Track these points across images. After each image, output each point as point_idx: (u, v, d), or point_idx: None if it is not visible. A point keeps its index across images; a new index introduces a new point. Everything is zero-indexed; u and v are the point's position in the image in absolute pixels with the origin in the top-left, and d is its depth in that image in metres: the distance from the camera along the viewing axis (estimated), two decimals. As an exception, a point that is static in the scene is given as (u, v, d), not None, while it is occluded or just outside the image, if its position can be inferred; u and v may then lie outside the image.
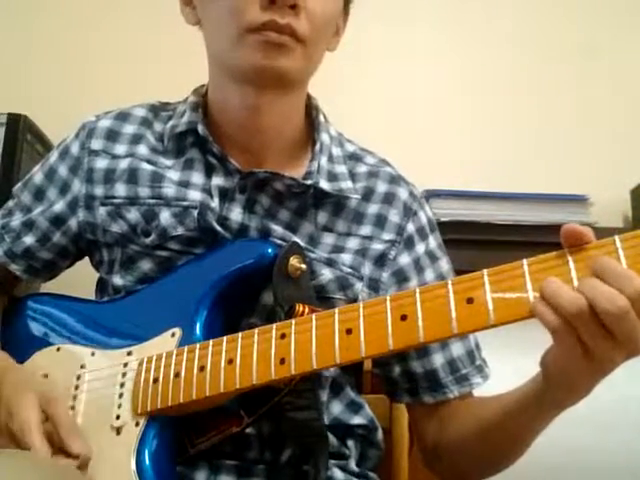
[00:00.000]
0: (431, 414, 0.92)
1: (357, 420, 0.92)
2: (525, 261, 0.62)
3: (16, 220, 0.97)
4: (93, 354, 0.88)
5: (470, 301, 0.63)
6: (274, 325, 0.75)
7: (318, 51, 0.89)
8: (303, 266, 0.83)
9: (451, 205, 1.44)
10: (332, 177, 0.93)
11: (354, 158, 0.98)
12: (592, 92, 1.73)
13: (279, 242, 0.87)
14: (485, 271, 0.63)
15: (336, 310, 0.71)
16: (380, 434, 0.95)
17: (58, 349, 0.90)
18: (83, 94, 1.60)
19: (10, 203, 1.01)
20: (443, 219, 1.41)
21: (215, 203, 0.89)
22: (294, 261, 0.83)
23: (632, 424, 1.19)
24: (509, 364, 0.99)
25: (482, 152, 1.69)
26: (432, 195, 1.44)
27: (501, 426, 0.80)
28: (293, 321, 0.74)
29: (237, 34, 0.83)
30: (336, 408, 0.90)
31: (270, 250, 0.84)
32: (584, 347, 0.60)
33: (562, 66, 1.74)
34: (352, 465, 0.91)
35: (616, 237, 0.58)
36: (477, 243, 1.41)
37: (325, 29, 0.88)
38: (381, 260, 0.92)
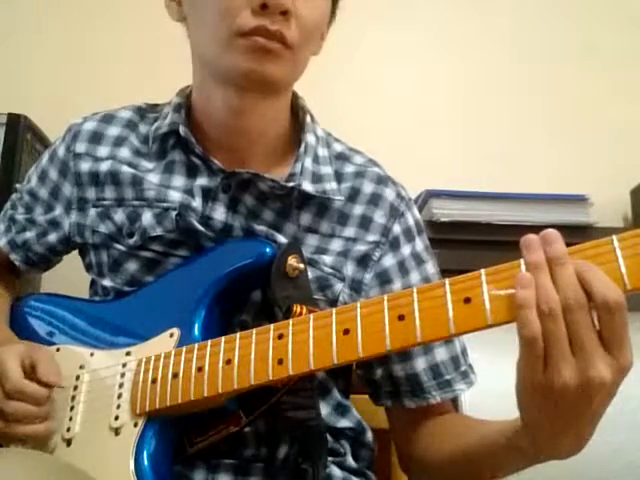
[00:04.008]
0: (410, 419, 0.90)
1: (344, 423, 0.91)
2: (523, 260, 0.62)
3: (20, 215, 1.01)
4: (92, 355, 0.88)
5: (468, 301, 0.62)
6: (272, 325, 0.75)
7: (305, 57, 0.88)
8: (301, 265, 0.83)
9: (451, 205, 1.43)
10: (316, 178, 0.91)
11: (342, 158, 0.96)
12: (592, 92, 1.73)
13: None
14: (483, 271, 0.63)
15: (333, 310, 0.71)
16: (370, 435, 0.94)
17: (57, 349, 0.90)
18: (83, 94, 1.60)
19: (14, 197, 1.04)
20: (443, 219, 1.41)
21: (197, 203, 0.89)
22: (292, 260, 0.83)
23: (631, 424, 1.18)
24: (506, 363, 0.98)
25: (482, 152, 1.69)
26: (432, 195, 1.44)
27: (475, 459, 0.78)
28: (290, 321, 0.74)
29: (227, 37, 0.82)
30: (323, 410, 0.88)
31: (268, 250, 0.84)
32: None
33: (562, 66, 1.74)
34: (350, 461, 0.90)
35: (614, 237, 0.58)
36: (477, 243, 1.40)
37: (313, 35, 0.87)
38: (364, 261, 0.91)
